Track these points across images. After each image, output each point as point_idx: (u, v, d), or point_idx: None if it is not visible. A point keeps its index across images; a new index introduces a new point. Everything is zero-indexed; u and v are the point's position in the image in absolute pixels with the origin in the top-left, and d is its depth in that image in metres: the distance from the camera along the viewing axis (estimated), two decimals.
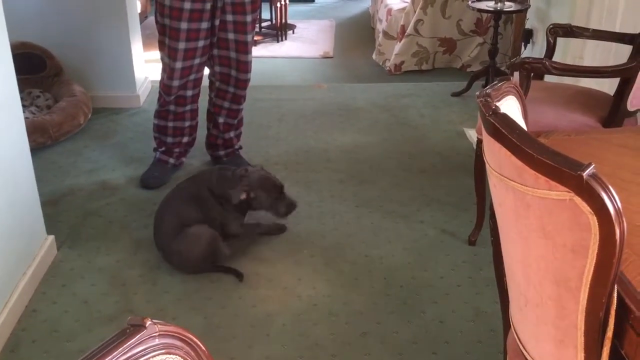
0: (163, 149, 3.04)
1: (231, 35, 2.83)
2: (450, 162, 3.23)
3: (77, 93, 3.57)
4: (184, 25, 2.70)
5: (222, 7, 2.77)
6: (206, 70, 2.99)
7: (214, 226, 2.42)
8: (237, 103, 3.05)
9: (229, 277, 2.37)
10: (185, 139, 3.05)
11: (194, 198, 2.42)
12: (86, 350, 0.60)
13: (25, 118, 2.38)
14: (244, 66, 2.93)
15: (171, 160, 3.05)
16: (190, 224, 2.37)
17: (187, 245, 2.34)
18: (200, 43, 2.78)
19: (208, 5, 2.71)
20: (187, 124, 3.01)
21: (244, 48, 2.88)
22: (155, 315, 0.81)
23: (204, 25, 2.74)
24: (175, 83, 2.84)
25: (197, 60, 2.82)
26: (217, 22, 2.79)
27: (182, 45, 2.74)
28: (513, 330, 1.32)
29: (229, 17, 2.79)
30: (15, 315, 2.14)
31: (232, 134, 3.12)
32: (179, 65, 2.78)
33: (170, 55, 2.77)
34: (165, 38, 2.77)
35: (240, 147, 3.18)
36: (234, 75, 2.94)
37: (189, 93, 2.92)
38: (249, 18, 2.83)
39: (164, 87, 2.88)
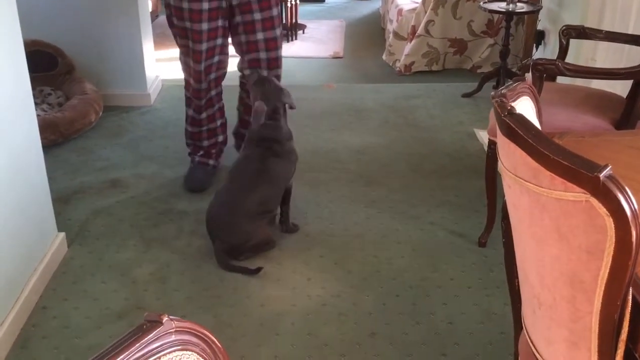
0: (201, 152, 3.04)
1: (260, 35, 2.81)
2: (460, 164, 3.23)
3: (88, 91, 3.59)
4: (204, 26, 2.71)
5: (245, 5, 2.74)
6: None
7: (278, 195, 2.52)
8: None
9: (238, 276, 2.37)
10: (220, 138, 3.07)
11: (258, 167, 2.47)
12: (96, 346, 0.60)
13: (37, 116, 2.40)
14: (275, 62, 2.90)
15: (211, 162, 3.05)
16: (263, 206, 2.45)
17: (257, 228, 2.42)
18: (219, 41, 2.79)
19: (224, 3, 2.72)
20: (218, 122, 3.03)
21: (274, 44, 2.86)
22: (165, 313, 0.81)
23: (221, 23, 2.75)
24: (204, 85, 2.86)
25: (216, 59, 2.84)
26: (237, 19, 2.77)
27: (204, 46, 2.75)
28: (525, 332, 1.32)
29: (257, 16, 2.77)
30: (26, 311, 2.15)
31: None
32: (203, 66, 2.80)
33: (195, 57, 2.78)
34: (189, 41, 2.77)
35: None
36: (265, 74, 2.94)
37: (213, 92, 2.94)
38: (274, 12, 2.81)
39: (194, 92, 2.89)
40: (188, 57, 2.82)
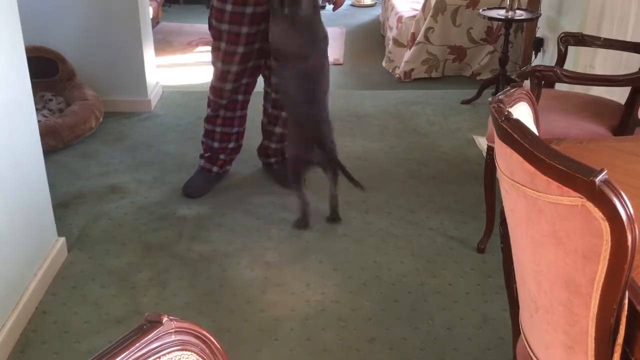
0: (209, 154, 3.04)
1: None
2: (459, 170, 3.24)
3: (89, 97, 3.60)
4: (244, 29, 2.71)
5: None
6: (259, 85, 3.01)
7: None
8: None
9: (238, 281, 2.38)
10: (231, 145, 3.04)
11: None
12: (95, 351, 0.61)
13: (38, 121, 2.41)
14: None
15: (215, 169, 3.04)
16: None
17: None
18: (256, 45, 2.79)
19: (266, 8, 2.72)
20: (234, 129, 3.01)
21: None
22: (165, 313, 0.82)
23: (262, 27, 2.76)
24: (228, 86, 2.84)
25: (251, 64, 2.83)
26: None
27: (240, 49, 2.75)
28: (523, 336, 1.32)
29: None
30: (26, 316, 2.15)
31: (284, 143, 3.13)
32: (234, 68, 2.79)
33: (226, 59, 2.78)
34: (221, 43, 2.76)
35: None
36: None
37: (240, 98, 2.92)
38: None
39: (216, 90, 2.88)
40: (218, 58, 2.82)
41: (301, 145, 2.68)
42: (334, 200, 2.76)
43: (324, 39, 2.68)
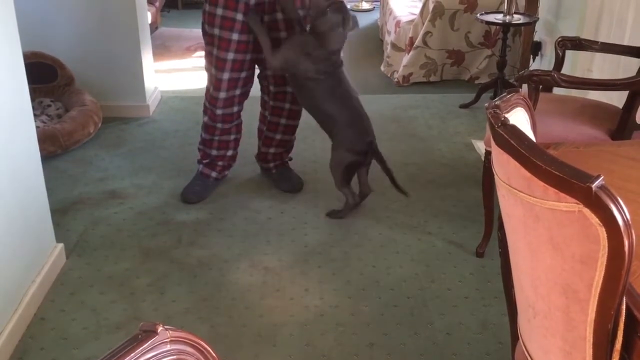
0: (207, 160, 3.04)
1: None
2: (458, 174, 3.24)
3: (87, 102, 3.60)
4: (235, 36, 2.71)
5: (273, 23, 2.77)
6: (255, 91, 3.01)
7: None
8: (294, 119, 3.06)
9: (237, 286, 2.38)
10: (229, 152, 3.04)
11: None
12: (94, 358, 0.61)
13: (36, 127, 2.41)
14: None
15: (213, 174, 3.04)
16: None
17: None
18: (248, 56, 2.79)
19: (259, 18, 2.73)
20: (232, 137, 3.01)
21: None
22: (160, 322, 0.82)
23: (253, 37, 2.76)
24: (222, 95, 2.83)
25: (244, 74, 2.82)
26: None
27: (230, 56, 2.74)
28: (521, 342, 1.32)
29: (283, 35, 2.80)
30: (24, 322, 2.15)
31: (283, 148, 3.13)
32: (226, 76, 2.78)
33: (218, 65, 2.77)
34: (214, 48, 2.76)
35: (290, 159, 3.20)
36: (290, 91, 2.95)
37: (235, 109, 2.91)
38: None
39: (211, 98, 2.87)
40: (211, 65, 2.81)
41: (357, 150, 2.76)
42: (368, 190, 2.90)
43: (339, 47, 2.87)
